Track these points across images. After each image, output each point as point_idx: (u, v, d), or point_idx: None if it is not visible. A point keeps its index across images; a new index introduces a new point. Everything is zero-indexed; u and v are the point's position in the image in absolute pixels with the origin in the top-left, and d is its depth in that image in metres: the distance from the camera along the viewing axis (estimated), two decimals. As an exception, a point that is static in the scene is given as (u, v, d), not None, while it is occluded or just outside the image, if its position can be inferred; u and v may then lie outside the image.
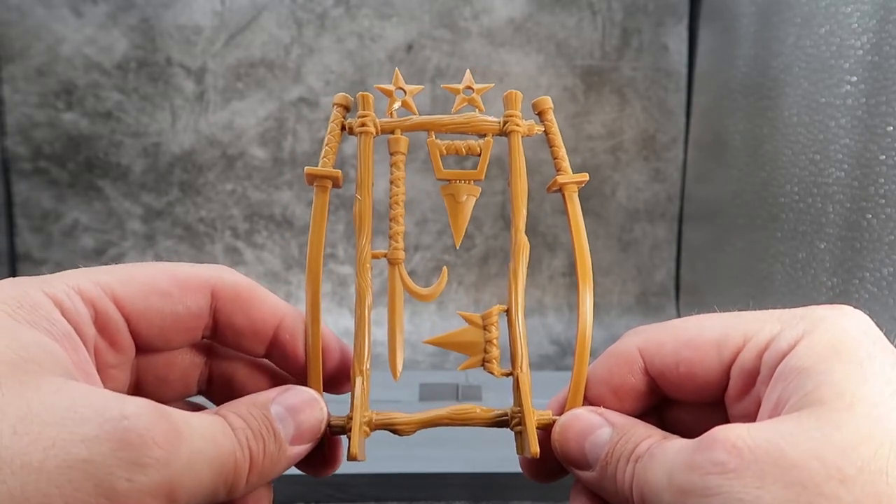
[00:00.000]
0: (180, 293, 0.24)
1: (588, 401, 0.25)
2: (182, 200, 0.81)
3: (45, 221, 0.79)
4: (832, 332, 0.21)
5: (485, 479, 0.46)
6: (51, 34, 0.76)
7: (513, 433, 0.26)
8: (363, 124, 0.27)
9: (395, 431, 0.27)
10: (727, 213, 0.69)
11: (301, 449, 0.24)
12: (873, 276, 0.47)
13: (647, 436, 0.22)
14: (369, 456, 0.47)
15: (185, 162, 0.80)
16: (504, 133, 0.28)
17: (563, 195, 0.27)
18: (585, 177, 0.27)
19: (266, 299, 0.26)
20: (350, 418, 0.25)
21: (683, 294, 0.83)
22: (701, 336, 0.23)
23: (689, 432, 0.24)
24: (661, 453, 0.21)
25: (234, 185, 0.80)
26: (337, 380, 0.27)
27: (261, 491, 0.24)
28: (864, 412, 0.18)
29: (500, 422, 0.26)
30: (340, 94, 0.27)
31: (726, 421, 0.23)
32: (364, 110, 0.27)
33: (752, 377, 0.22)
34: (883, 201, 0.46)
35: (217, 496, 0.21)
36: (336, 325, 0.78)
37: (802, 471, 0.18)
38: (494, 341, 0.27)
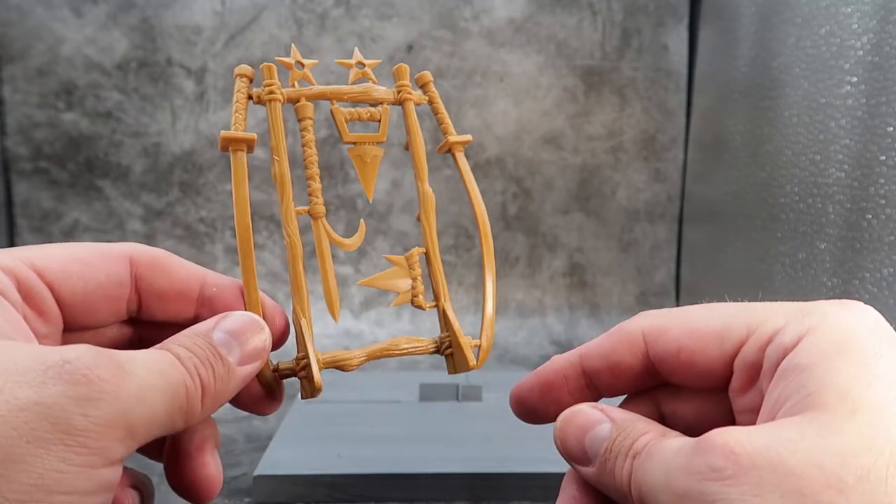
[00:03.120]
0: (100, 262, 0.25)
1: (585, 372, 0.26)
2: (182, 200, 0.81)
3: (45, 221, 0.79)
4: (838, 330, 0.20)
5: (485, 479, 0.46)
6: (51, 34, 0.76)
7: (444, 360, 0.29)
8: (271, 92, 0.29)
9: (341, 368, 0.28)
10: (727, 214, 0.69)
11: (250, 368, 0.24)
12: (873, 276, 0.47)
13: (645, 431, 0.22)
14: (370, 456, 0.47)
15: (185, 162, 0.80)
16: (398, 102, 0.31)
17: (454, 154, 0.31)
18: (469, 138, 0.31)
19: (184, 263, 0.27)
20: (301, 358, 0.27)
21: (683, 294, 0.83)
22: (705, 325, 0.23)
23: (691, 426, 0.24)
24: (660, 452, 0.21)
25: (235, 185, 0.80)
26: (278, 337, 0.27)
27: (206, 430, 0.25)
28: (866, 419, 0.18)
29: (426, 350, 0.29)
30: (242, 65, 0.29)
31: (730, 413, 0.24)
32: (270, 79, 0.29)
33: (756, 371, 0.22)
34: (883, 202, 0.46)
35: (175, 425, 0.22)
36: (338, 325, 0.78)
37: (801, 479, 0.17)
38: (419, 279, 0.29)
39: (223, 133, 0.27)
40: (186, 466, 0.25)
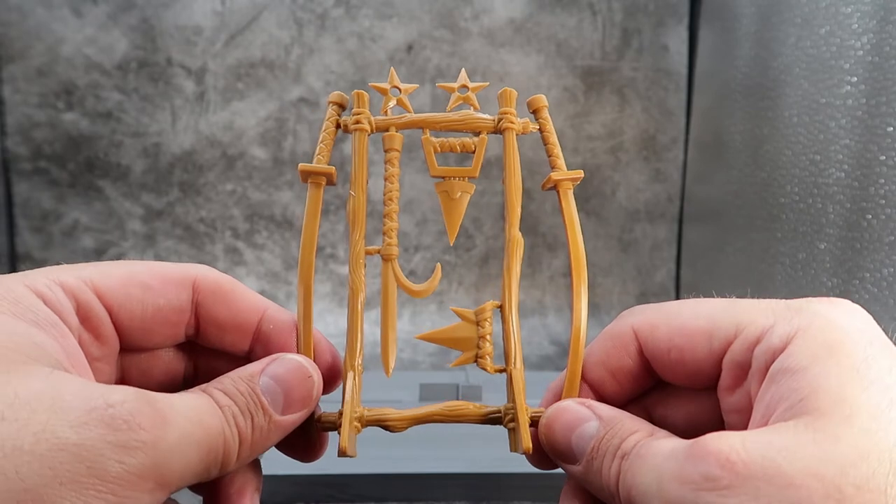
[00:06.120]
0: (161, 286, 0.24)
1: (587, 383, 0.25)
2: (182, 200, 0.81)
3: (45, 221, 0.79)
4: (828, 331, 0.20)
5: (485, 479, 0.46)
6: (51, 34, 0.76)
7: (506, 430, 0.26)
8: (358, 122, 0.27)
9: (387, 428, 0.26)
10: (727, 213, 0.69)
11: (294, 418, 0.23)
12: (873, 276, 0.46)
13: (633, 430, 0.22)
14: (369, 455, 0.47)
15: (186, 162, 0.80)
16: (498, 131, 0.28)
17: (558, 192, 0.27)
18: (580, 174, 0.27)
19: (247, 293, 0.26)
20: (341, 413, 0.25)
21: (683, 294, 0.83)
22: (693, 323, 0.23)
23: (681, 430, 0.24)
24: (650, 455, 0.20)
25: (235, 185, 0.80)
26: (328, 381, 0.26)
27: (247, 475, 0.24)
28: (863, 426, 0.18)
29: (493, 419, 0.26)
30: (336, 92, 0.27)
31: (719, 416, 0.23)
32: (359, 108, 0.27)
33: (744, 370, 0.22)
34: (883, 202, 0.46)
35: (209, 474, 0.21)
36: (336, 325, 0.78)
37: (800, 489, 0.17)
38: (488, 337, 0.26)
39: (301, 166, 0.26)
40: None
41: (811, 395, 0.19)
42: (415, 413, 0.26)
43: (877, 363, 0.19)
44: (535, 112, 0.28)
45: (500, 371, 0.26)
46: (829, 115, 0.52)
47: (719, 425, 0.23)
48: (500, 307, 0.26)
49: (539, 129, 0.28)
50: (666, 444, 0.20)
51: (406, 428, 0.26)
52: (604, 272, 0.85)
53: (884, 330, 0.21)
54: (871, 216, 0.47)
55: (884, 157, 0.46)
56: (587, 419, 0.23)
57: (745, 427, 0.21)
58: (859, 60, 0.49)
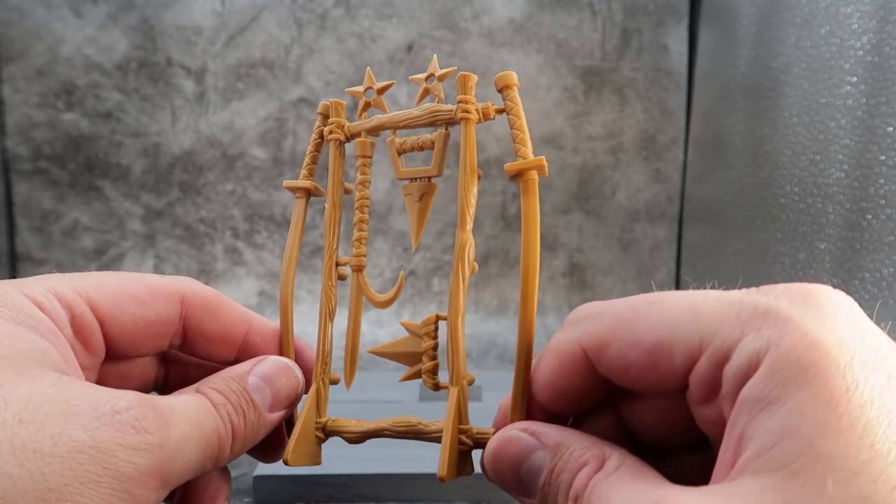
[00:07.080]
0: (152, 300, 0.25)
1: (537, 404, 0.24)
2: (182, 201, 0.81)
3: (45, 221, 0.79)
4: (800, 346, 0.17)
5: (485, 480, 0.46)
6: (51, 34, 0.76)
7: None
8: (332, 132, 0.27)
9: (344, 439, 0.27)
10: (727, 214, 0.69)
11: (280, 415, 0.25)
12: (873, 276, 0.46)
13: (583, 461, 0.20)
14: (370, 456, 0.47)
15: (186, 162, 0.80)
16: (456, 122, 0.25)
17: (520, 184, 0.24)
18: (542, 161, 0.23)
19: (234, 307, 0.27)
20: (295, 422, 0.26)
21: (683, 294, 0.83)
22: (649, 336, 0.20)
23: (652, 430, 0.23)
24: None
25: (235, 185, 0.80)
26: (308, 381, 0.28)
27: (220, 481, 0.25)
28: (839, 491, 0.15)
29: (438, 437, 0.25)
30: (322, 102, 0.27)
31: (691, 415, 0.21)
32: (335, 117, 0.27)
33: (714, 388, 0.19)
34: (883, 202, 0.46)
35: (204, 470, 0.22)
36: (336, 325, 0.78)
37: None
38: (431, 352, 0.25)
39: (286, 183, 0.27)
40: None
41: (783, 441, 0.17)
42: (368, 427, 0.26)
43: (857, 390, 0.17)
44: (501, 91, 0.24)
45: (444, 388, 0.25)
46: (829, 115, 0.52)
47: (691, 423, 0.21)
48: (448, 320, 0.24)
49: (505, 111, 0.24)
50: (621, 493, 0.19)
51: (361, 440, 0.26)
52: (604, 272, 0.85)
53: (883, 330, 0.19)
54: (871, 216, 0.47)
55: (884, 157, 0.46)
56: (534, 449, 0.22)
57: (720, 437, 0.19)
58: (859, 60, 0.49)
